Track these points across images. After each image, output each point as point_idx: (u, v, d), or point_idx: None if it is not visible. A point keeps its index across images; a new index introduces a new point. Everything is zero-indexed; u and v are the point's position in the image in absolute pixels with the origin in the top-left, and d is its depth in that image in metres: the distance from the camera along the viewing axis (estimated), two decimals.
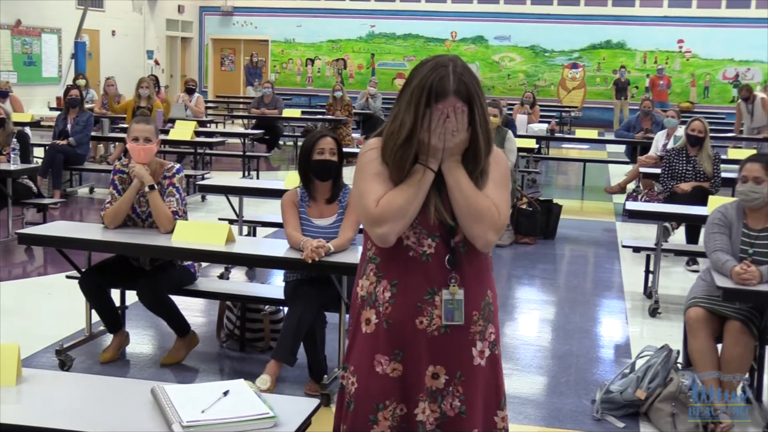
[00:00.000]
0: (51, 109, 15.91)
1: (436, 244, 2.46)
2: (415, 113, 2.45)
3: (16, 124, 9.83)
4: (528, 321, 6.35)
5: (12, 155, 7.93)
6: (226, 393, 2.56)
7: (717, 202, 5.93)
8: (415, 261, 2.46)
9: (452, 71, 2.45)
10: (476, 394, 2.49)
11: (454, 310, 2.44)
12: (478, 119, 2.46)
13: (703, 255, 5.56)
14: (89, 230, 5.12)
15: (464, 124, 2.43)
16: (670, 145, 9.63)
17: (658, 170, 8.66)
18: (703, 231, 5.66)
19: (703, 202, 6.59)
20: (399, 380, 2.47)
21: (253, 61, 22.42)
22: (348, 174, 4.83)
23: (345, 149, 5.04)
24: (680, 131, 9.91)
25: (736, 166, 4.93)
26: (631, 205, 7.34)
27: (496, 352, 2.56)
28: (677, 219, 7.45)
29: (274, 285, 6.25)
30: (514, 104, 15.31)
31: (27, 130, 10.95)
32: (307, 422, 2.53)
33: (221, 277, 6.90)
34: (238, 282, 6.80)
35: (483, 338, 2.50)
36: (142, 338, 5.56)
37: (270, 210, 7.98)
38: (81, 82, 14.27)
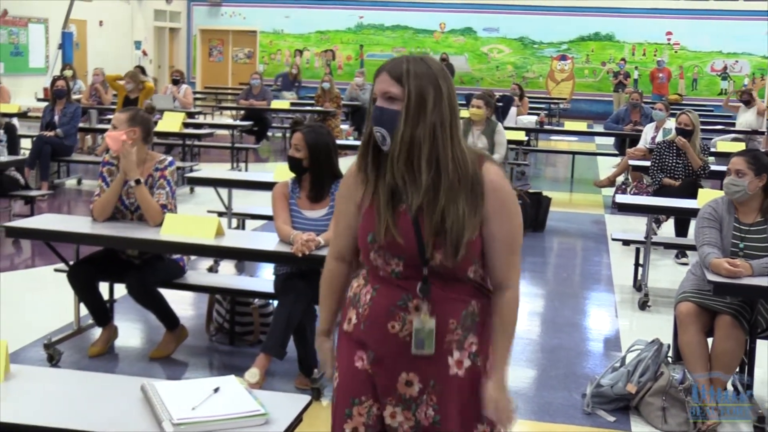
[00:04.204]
0: (38, 99, 15.81)
1: (404, 262, 2.34)
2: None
3: (3, 115, 9.77)
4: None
5: None
6: (216, 390, 2.54)
7: (707, 195, 5.94)
8: (388, 277, 2.38)
9: (402, 58, 2.34)
10: (451, 404, 2.39)
11: (424, 340, 2.33)
12: (411, 112, 2.25)
13: (692, 248, 5.57)
14: (77, 223, 5.09)
15: None
16: (659, 138, 9.64)
17: (647, 163, 8.67)
18: (692, 224, 5.67)
19: (693, 195, 6.60)
20: (375, 379, 2.42)
21: (292, 73, 19.15)
22: (344, 164, 4.82)
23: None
24: (669, 123, 9.93)
25: (724, 159, 4.95)
26: (621, 198, 7.34)
27: (479, 363, 2.40)
28: (667, 212, 7.45)
29: (264, 278, 6.23)
30: (505, 96, 15.30)
31: (14, 121, 10.88)
32: (298, 419, 2.52)
33: (210, 270, 6.88)
34: (227, 275, 6.78)
35: (461, 348, 2.37)
36: (131, 332, 5.53)
37: (259, 202, 7.95)
38: (68, 72, 14.15)
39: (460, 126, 2.35)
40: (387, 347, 2.37)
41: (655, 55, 22.95)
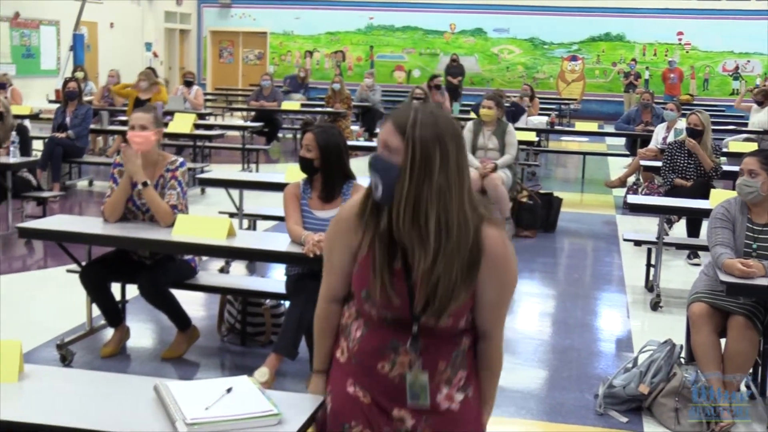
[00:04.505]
0: (50, 101, 15.87)
1: (396, 316, 2.32)
2: None
3: (15, 117, 9.80)
4: (529, 315, 6.34)
5: (11, 148, 7.90)
6: (229, 390, 2.54)
7: (719, 195, 5.92)
8: (380, 321, 2.35)
9: (410, 107, 2.22)
10: None
11: (419, 393, 2.32)
12: (415, 165, 2.16)
13: (704, 248, 5.55)
14: (89, 224, 5.10)
15: None
16: (670, 138, 9.61)
17: (658, 163, 8.64)
18: (704, 224, 5.65)
19: (705, 196, 6.58)
20: (368, 407, 2.39)
21: (300, 76, 18.95)
22: (355, 165, 4.83)
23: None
24: (680, 124, 9.89)
25: (736, 159, 4.94)
26: (632, 199, 7.32)
27: (470, 394, 2.39)
28: (678, 212, 7.43)
29: (275, 279, 6.24)
30: (514, 96, 15.28)
31: (26, 122, 10.92)
32: (311, 419, 2.52)
33: (222, 270, 6.89)
34: (238, 276, 6.78)
35: (449, 384, 2.36)
36: (143, 332, 5.54)
37: (270, 203, 7.96)
38: (79, 74, 14.21)
39: (467, 187, 2.23)
40: (377, 387, 2.36)
41: (666, 56, 22.89)
